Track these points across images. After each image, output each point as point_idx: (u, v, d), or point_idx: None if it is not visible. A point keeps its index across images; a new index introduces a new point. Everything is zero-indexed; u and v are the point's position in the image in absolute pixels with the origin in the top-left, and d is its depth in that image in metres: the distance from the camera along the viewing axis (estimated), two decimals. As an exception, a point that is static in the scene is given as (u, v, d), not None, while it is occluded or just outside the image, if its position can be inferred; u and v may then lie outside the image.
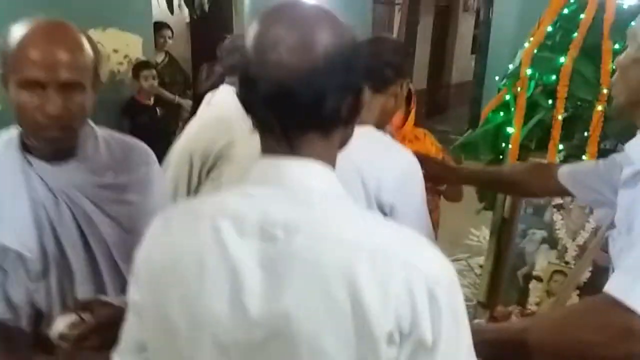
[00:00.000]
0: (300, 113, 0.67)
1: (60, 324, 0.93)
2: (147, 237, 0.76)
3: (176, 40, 4.82)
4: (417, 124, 2.24)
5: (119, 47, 3.53)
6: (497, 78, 2.57)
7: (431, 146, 2.22)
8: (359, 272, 0.63)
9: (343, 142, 0.76)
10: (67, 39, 0.99)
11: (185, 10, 4.42)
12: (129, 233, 1.08)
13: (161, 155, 2.20)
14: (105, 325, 0.93)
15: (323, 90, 0.66)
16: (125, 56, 3.59)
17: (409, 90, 2.06)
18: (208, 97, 2.15)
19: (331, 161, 0.73)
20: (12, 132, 1.08)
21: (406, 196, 1.29)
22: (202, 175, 1.65)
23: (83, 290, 1.05)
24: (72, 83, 0.98)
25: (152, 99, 3.71)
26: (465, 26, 9.84)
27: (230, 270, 0.67)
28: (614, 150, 2.05)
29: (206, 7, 4.29)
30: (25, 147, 1.06)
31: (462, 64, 9.87)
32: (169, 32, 4.11)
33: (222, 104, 1.98)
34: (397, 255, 0.65)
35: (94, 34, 3.38)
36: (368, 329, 0.63)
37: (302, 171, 0.69)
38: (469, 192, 2.46)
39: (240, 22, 4.76)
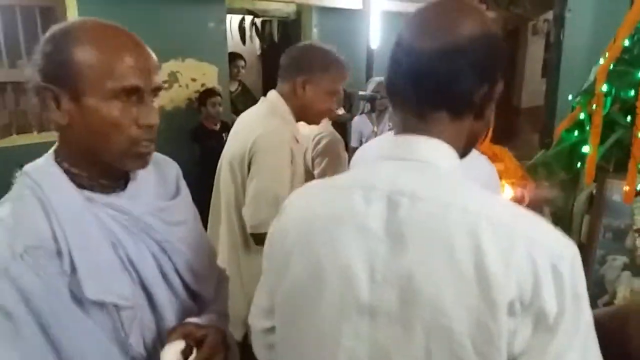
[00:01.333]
0: (436, 90, 0.74)
1: (169, 355, 0.87)
2: (285, 209, 0.85)
3: (248, 70, 5.06)
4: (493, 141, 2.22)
5: (197, 76, 3.76)
6: (570, 97, 2.49)
7: (511, 163, 2.18)
8: (484, 239, 0.66)
9: (474, 138, 0.81)
10: (140, 41, 0.89)
11: (257, 42, 4.63)
12: (188, 254, 1.01)
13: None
14: (217, 347, 0.92)
15: (459, 72, 0.73)
16: (202, 85, 3.81)
17: None
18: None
19: (457, 147, 0.78)
20: (46, 167, 0.89)
21: None
22: (244, 172, 1.74)
23: (170, 322, 0.96)
24: (159, 87, 0.91)
25: (218, 125, 3.83)
26: (535, 49, 9.60)
27: (359, 234, 0.73)
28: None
29: (275, 37, 4.48)
30: (75, 182, 0.89)
31: (532, 88, 9.60)
32: (242, 62, 4.32)
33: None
34: (519, 229, 0.68)
35: (174, 64, 3.65)
36: (490, 295, 0.65)
37: (430, 148, 0.75)
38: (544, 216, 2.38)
39: (308, 50, 4.92)
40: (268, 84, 5.15)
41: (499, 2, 7.39)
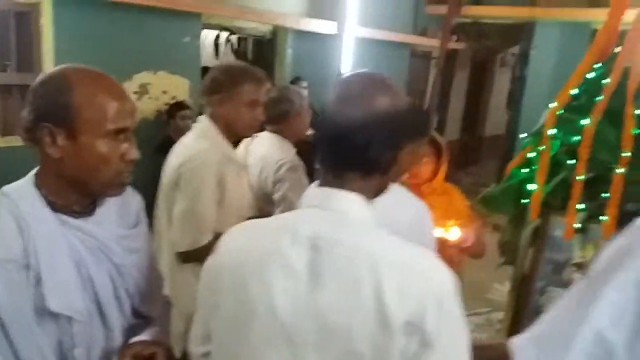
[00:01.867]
0: (350, 155, 0.89)
1: None
2: (220, 247, 0.96)
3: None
4: (447, 176, 2.33)
5: (168, 88, 3.79)
6: (521, 135, 2.63)
7: (460, 201, 2.26)
8: (383, 277, 0.82)
9: (380, 189, 0.96)
10: (122, 87, 1.05)
11: (231, 58, 4.69)
12: (139, 279, 1.11)
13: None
14: None
15: (371, 141, 0.88)
16: (173, 97, 3.84)
17: (439, 145, 2.18)
18: (247, 141, 2.33)
19: (368, 196, 0.93)
20: (26, 190, 1.00)
21: (416, 235, 1.39)
22: (174, 198, 1.84)
23: (118, 338, 1.07)
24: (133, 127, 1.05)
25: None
26: (501, 81, 9.95)
27: (285, 273, 0.86)
28: (634, 213, 2.07)
29: (249, 55, 4.56)
30: (50, 205, 1.00)
31: (496, 118, 9.93)
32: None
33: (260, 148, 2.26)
34: (412, 267, 0.85)
35: (146, 75, 3.67)
36: (387, 322, 0.80)
37: (344, 200, 0.90)
38: (493, 246, 2.50)
39: (281, 70, 5.01)
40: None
41: (469, 34, 7.68)
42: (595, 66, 2.24)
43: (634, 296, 0.81)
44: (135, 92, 3.64)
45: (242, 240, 0.95)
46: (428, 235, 1.46)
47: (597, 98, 2.10)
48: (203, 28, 4.13)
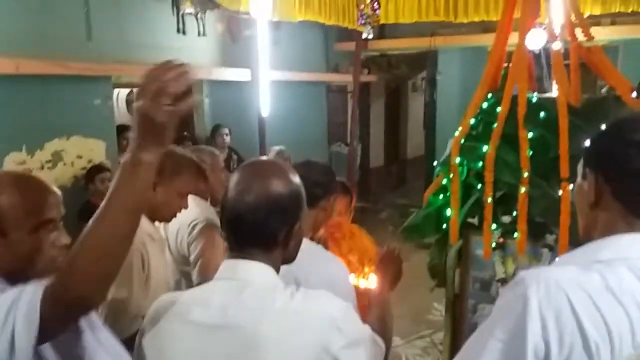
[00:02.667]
0: (248, 233, 1.04)
1: None
2: (145, 323, 1.08)
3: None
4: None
5: (83, 153, 3.68)
6: (435, 163, 2.77)
7: (367, 241, 2.36)
8: (281, 328, 0.97)
9: (287, 258, 1.10)
10: (47, 182, 1.15)
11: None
12: None
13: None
14: None
15: (267, 221, 1.03)
16: (90, 161, 3.73)
17: (349, 188, 2.29)
18: None
19: (275, 266, 1.07)
20: None
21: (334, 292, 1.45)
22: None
23: None
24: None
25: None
26: (416, 105, 10.46)
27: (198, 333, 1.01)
28: (543, 224, 2.25)
29: (167, 108, 4.53)
30: None
31: (415, 140, 10.40)
32: (131, 134, 4.29)
33: None
34: (306, 314, 1.00)
35: (58, 142, 3.55)
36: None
37: (247, 269, 1.04)
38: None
39: (199, 120, 5.03)
40: (161, 153, 5.15)
41: (380, 65, 8.10)
42: (489, 96, 2.45)
43: (514, 347, 0.91)
44: (49, 161, 3.52)
45: (160, 311, 1.06)
46: (345, 291, 1.48)
47: (493, 125, 2.29)
48: (114, 87, 4.08)
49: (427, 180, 8.31)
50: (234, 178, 1.06)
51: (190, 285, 2.24)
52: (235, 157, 4.84)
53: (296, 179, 1.10)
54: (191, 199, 2.29)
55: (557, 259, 1.09)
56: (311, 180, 1.57)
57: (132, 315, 1.72)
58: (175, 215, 1.93)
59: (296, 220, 1.07)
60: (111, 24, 3.95)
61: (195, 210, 2.23)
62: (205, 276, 2.14)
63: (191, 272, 2.22)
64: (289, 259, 1.11)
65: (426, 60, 7.38)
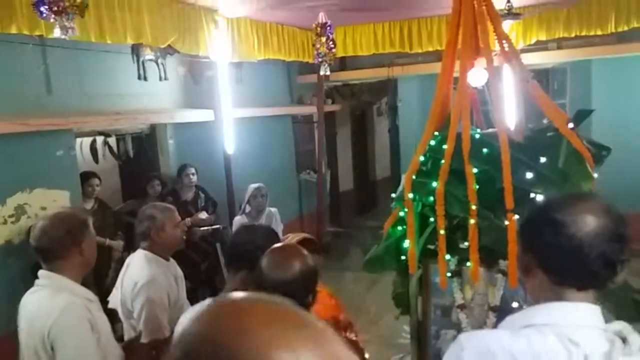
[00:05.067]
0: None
1: None
2: None
3: (108, 186, 5.04)
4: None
5: (47, 204, 3.67)
6: (393, 196, 2.87)
7: (330, 297, 2.41)
8: None
9: None
10: None
11: (111, 160, 4.67)
12: None
13: (101, 295, 2.41)
14: None
15: (296, 291, 1.38)
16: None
17: (316, 245, 2.37)
18: (127, 260, 2.47)
19: None
20: None
21: None
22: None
23: None
24: None
25: None
26: (381, 128, 10.70)
27: None
28: (492, 250, 2.36)
29: (131, 152, 4.57)
30: None
31: (383, 162, 10.60)
32: (96, 181, 4.30)
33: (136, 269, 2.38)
34: None
35: (21, 196, 3.55)
36: None
37: None
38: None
39: (165, 160, 5.07)
40: (126, 197, 5.16)
41: (343, 94, 8.30)
42: (436, 134, 2.59)
43: None
44: (11, 215, 3.50)
45: None
46: None
47: (441, 162, 2.42)
48: (77, 137, 4.10)
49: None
50: (269, 257, 1.48)
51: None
52: (202, 195, 4.89)
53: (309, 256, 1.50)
54: (142, 256, 2.40)
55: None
56: (254, 244, 1.71)
57: None
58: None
59: (315, 290, 1.51)
60: (71, 77, 3.99)
61: (140, 269, 2.37)
62: (147, 329, 2.28)
63: (136, 327, 2.35)
64: None
65: (387, 88, 7.61)
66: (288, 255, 1.45)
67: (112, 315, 2.54)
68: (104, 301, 2.54)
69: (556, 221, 1.06)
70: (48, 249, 1.86)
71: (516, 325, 1.10)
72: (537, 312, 1.09)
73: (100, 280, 4.04)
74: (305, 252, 1.50)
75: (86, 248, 1.91)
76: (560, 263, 1.07)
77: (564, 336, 1.02)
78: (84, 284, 1.95)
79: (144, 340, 2.29)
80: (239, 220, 4.34)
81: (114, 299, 2.50)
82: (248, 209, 4.37)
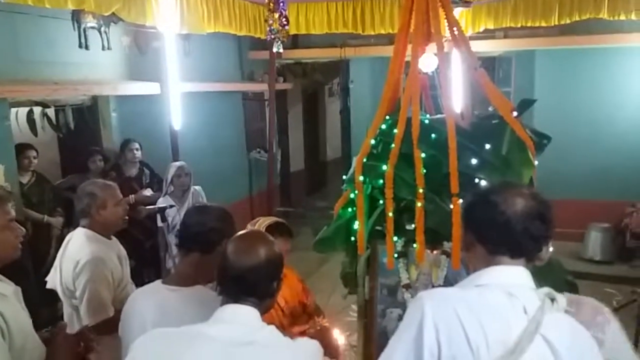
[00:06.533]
0: (249, 289, 1.38)
1: None
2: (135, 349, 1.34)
3: (46, 159, 4.78)
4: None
5: (-21, 177, 3.46)
6: (344, 178, 2.89)
7: (298, 282, 2.49)
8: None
9: (269, 306, 1.46)
10: None
11: (51, 132, 4.43)
12: None
13: (41, 275, 2.30)
14: None
15: (261, 278, 1.39)
16: (5, 189, 3.50)
17: (288, 230, 2.35)
18: (67, 238, 2.37)
19: (262, 311, 1.41)
20: None
21: None
22: None
23: None
24: None
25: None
26: (333, 108, 10.72)
27: None
28: (437, 232, 2.43)
29: (72, 125, 4.35)
30: None
31: (334, 143, 10.64)
32: (33, 153, 4.08)
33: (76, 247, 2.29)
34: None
35: (-51, 168, 3.31)
36: None
37: (244, 312, 1.36)
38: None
39: (108, 134, 4.86)
40: (66, 172, 4.92)
41: (294, 72, 8.22)
42: (386, 118, 2.62)
43: (414, 348, 1.21)
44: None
45: (155, 348, 1.31)
46: None
47: (391, 146, 2.45)
48: (11, 107, 3.85)
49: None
50: (233, 243, 1.43)
51: (79, 318, 2.26)
52: (147, 171, 4.74)
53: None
54: (82, 235, 2.31)
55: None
56: (207, 226, 1.67)
57: None
58: (14, 250, 1.75)
59: (280, 278, 1.46)
60: (5, 42, 3.72)
61: (81, 247, 2.29)
62: (90, 309, 2.21)
63: (79, 306, 2.27)
64: (270, 306, 1.48)
65: (339, 69, 7.60)
66: (253, 242, 1.42)
67: (52, 294, 2.44)
68: (44, 282, 2.44)
69: (491, 201, 1.30)
70: None
71: (464, 286, 1.32)
72: (480, 275, 1.30)
73: (41, 258, 3.86)
74: (271, 238, 1.47)
75: None
76: (494, 235, 1.30)
77: (505, 291, 1.23)
78: (18, 264, 1.79)
79: (88, 322, 2.21)
80: (163, 201, 4.25)
81: (53, 279, 2.39)
82: (171, 189, 4.26)
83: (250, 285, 1.36)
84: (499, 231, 1.28)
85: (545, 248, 1.32)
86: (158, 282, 1.79)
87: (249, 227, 2.20)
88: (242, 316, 1.34)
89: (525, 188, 1.38)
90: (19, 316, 1.71)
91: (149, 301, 1.70)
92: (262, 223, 2.26)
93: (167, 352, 1.29)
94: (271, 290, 1.42)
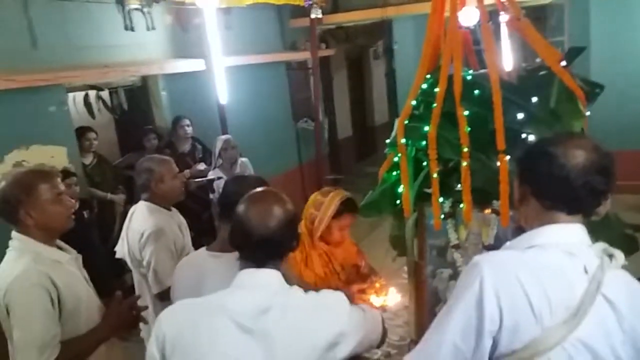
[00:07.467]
0: (272, 249, 1.38)
1: None
2: (160, 320, 1.34)
3: (105, 140, 5.03)
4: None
5: (45, 160, 3.69)
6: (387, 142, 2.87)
7: (352, 245, 2.59)
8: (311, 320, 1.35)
9: (286, 260, 1.44)
10: None
11: (107, 113, 4.64)
12: None
13: (109, 248, 2.48)
14: None
15: (282, 238, 1.37)
16: (52, 167, 3.74)
17: (356, 206, 2.46)
18: (131, 211, 2.49)
19: (282, 270, 1.40)
20: None
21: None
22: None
23: None
24: None
25: (77, 204, 3.74)
26: (378, 72, 10.53)
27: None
28: (484, 191, 2.39)
29: (125, 106, 4.54)
30: None
31: (381, 107, 10.51)
32: (93, 135, 4.31)
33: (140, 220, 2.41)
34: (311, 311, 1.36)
35: (18, 153, 3.56)
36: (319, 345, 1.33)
37: (266, 276, 1.36)
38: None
39: (160, 113, 5.03)
40: (124, 151, 5.16)
41: (337, 38, 8.10)
42: (427, 76, 2.56)
43: (475, 316, 1.17)
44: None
45: (181, 317, 1.33)
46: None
47: (433, 105, 2.41)
48: (69, 92, 4.06)
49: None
50: (249, 206, 1.39)
51: (148, 285, 2.42)
52: (199, 147, 4.89)
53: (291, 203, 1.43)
54: (145, 208, 2.44)
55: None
56: (244, 195, 1.71)
57: (41, 354, 1.67)
58: (69, 220, 1.89)
59: (296, 237, 1.44)
60: (56, 30, 3.89)
61: (144, 219, 2.42)
62: (157, 277, 2.36)
63: (146, 274, 2.41)
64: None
65: (382, 30, 7.42)
66: (271, 203, 1.37)
67: (121, 264, 2.63)
68: (113, 252, 2.61)
69: (549, 153, 1.22)
70: (1, 210, 1.76)
71: (519, 247, 1.26)
72: (535, 235, 1.25)
73: (107, 233, 4.13)
74: (284, 196, 1.41)
75: (34, 211, 1.75)
76: (552, 190, 1.23)
77: (565, 251, 1.19)
78: (86, 238, 1.94)
79: (154, 289, 2.37)
80: (213, 174, 4.42)
81: (121, 250, 2.56)
82: (220, 162, 4.42)
83: (274, 248, 1.35)
84: (557, 186, 1.21)
85: (605, 203, 1.24)
86: (203, 250, 1.89)
87: (318, 197, 2.32)
88: (263, 280, 1.33)
89: (586, 139, 1.29)
90: (73, 281, 1.82)
91: (193, 267, 1.82)
92: (334, 197, 2.33)
93: (188, 324, 1.29)
94: (293, 248, 1.40)
